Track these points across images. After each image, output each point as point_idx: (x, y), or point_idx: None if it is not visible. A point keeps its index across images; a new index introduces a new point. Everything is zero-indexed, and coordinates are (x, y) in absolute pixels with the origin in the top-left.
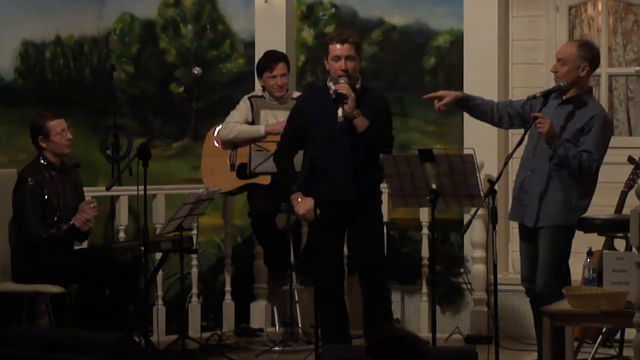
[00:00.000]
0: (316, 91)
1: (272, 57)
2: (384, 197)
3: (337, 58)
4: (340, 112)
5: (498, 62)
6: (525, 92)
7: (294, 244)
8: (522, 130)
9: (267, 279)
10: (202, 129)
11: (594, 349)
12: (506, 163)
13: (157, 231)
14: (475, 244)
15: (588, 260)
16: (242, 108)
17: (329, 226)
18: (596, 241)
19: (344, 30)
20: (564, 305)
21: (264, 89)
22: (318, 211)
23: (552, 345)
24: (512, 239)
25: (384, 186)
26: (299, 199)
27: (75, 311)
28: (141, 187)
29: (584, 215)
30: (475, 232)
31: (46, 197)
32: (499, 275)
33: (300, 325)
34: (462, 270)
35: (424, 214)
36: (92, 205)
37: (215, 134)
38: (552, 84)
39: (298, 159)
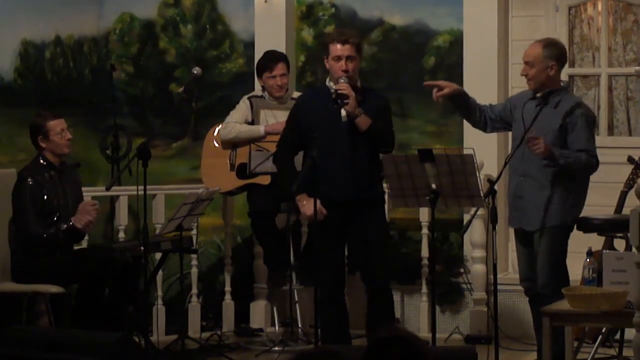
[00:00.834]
0: (316, 91)
1: (272, 57)
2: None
3: (338, 58)
4: (343, 111)
5: (498, 62)
6: None
7: (294, 244)
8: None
9: (267, 279)
10: (201, 129)
11: (594, 349)
12: (506, 163)
13: (157, 231)
14: (475, 243)
15: (588, 260)
16: (242, 108)
17: (330, 226)
18: (596, 241)
19: (345, 30)
20: (563, 305)
21: (263, 89)
22: (324, 211)
23: (552, 345)
24: (512, 239)
25: (385, 186)
26: (305, 201)
27: (75, 311)
28: (141, 187)
29: (584, 215)
30: (475, 232)
31: (45, 197)
32: (498, 275)
33: (300, 325)
34: (461, 270)
35: (424, 214)
36: (94, 206)
37: (215, 134)
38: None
39: (298, 159)
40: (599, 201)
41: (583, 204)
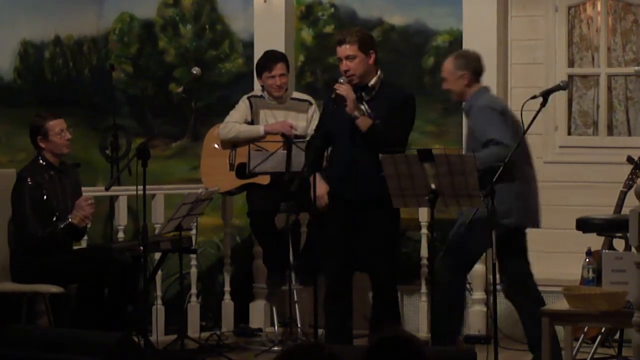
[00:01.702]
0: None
1: (271, 57)
2: None
3: (340, 59)
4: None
5: (497, 62)
6: (524, 92)
7: (293, 243)
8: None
9: (266, 278)
10: (201, 129)
11: (593, 349)
12: (505, 163)
13: (156, 231)
14: None
15: (587, 260)
16: (242, 108)
17: (335, 221)
18: (595, 241)
19: (346, 30)
20: (563, 305)
21: (263, 88)
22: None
23: (551, 345)
24: None
25: None
26: (318, 182)
27: (75, 311)
28: (140, 187)
29: (584, 215)
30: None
31: (45, 197)
32: (498, 275)
33: (299, 325)
34: None
35: (423, 214)
36: (89, 202)
37: (215, 134)
38: (552, 84)
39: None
40: (598, 201)
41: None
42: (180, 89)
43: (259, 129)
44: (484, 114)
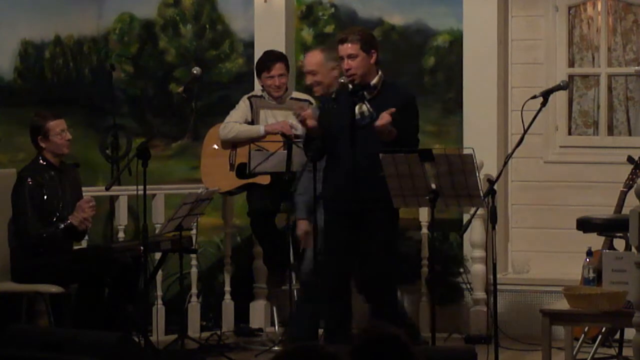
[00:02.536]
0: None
1: (270, 57)
2: None
3: (341, 58)
4: (357, 109)
5: (497, 62)
6: (524, 92)
7: (294, 243)
8: (522, 130)
9: (267, 278)
10: (201, 128)
11: (594, 348)
12: (505, 163)
13: (157, 231)
14: (474, 243)
15: (587, 260)
16: (242, 108)
17: (336, 222)
18: (596, 241)
19: (348, 29)
20: (563, 305)
21: (263, 88)
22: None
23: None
24: (512, 238)
25: None
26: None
27: (75, 311)
28: (140, 187)
29: (584, 215)
30: (475, 232)
31: (45, 197)
32: (498, 275)
33: None
34: (461, 270)
35: (424, 214)
36: (90, 204)
37: (215, 134)
38: (552, 84)
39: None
40: (598, 201)
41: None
42: (180, 89)
43: (259, 129)
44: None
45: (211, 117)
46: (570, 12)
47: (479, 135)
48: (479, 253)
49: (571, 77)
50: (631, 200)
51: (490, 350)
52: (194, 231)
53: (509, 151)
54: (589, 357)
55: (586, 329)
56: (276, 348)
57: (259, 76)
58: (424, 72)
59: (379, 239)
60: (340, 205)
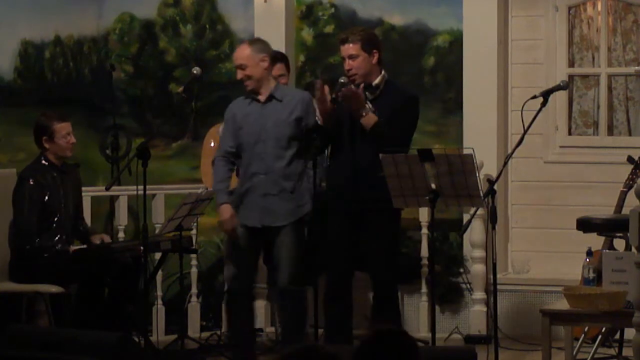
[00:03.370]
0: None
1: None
2: None
3: (343, 58)
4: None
5: (497, 62)
6: (524, 92)
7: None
8: (522, 130)
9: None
10: (201, 128)
11: (594, 349)
12: (505, 163)
13: (157, 231)
14: (474, 243)
15: (587, 260)
16: None
17: (338, 222)
18: (596, 241)
19: (349, 29)
20: (563, 305)
21: None
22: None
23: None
24: (512, 238)
25: None
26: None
27: (75, 311)
28: (140, 187)
29: (584, 215)
30: (475, 232)
31: (47, 198)
32: (498, 275)
33: None
34: (461, 270)
35: (424, 214)
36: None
37: (215, 133)
38: (552, 84)
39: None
40: (598, 201)
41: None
42: (180, 89)
43: None
44: None
45: (211, 117)
46: (570, 12)
47: (479, 135)
48: (479, 253)
49: (571, 77)
50: (631, 200)
51: (490, 350)
52: (194, 231)
53: (509, 151)
54: (589, 357)
55: (586, 329)
56: (277, 348)
57: None
58: (424, 72)
59: (381, 240)
60: (341, 205)
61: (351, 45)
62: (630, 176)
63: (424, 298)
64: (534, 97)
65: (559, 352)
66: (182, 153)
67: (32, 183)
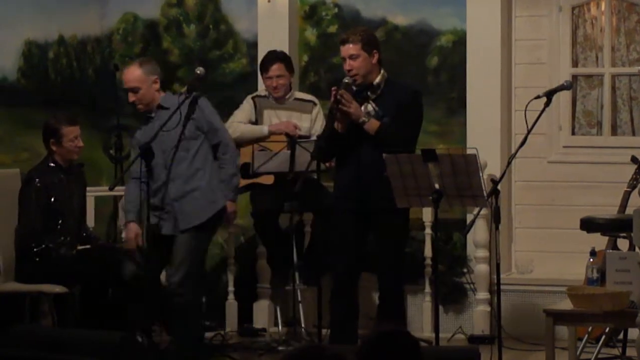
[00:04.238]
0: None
1: (268, 58)
2: None
3: (343, 59)
4: (362, 109)
5: (501, 62)
6: (528, 92)
7: (297, 243)
8: (525, 130)
9: (270, 278)
10: None
11: (597, 348)
12: (509, 163)
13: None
14: (478, 243)
15: (591, 260)
16: (246, 108)
17: (345, 222)
18: (599, 241)
19: (350, 29)
20: (567, 305)
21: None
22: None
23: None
24: (515, 238)
25: None
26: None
27: (79, 311)
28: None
29: (588, 215)
30: (478, 232)
31: (53, 199)
32: (502, 275)
33: (303, 325)
34: (465, 270)
35: (427, 214)
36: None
37: None
38: (556, 84)
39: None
40: (602, 201)
41: None
42: (184, 89)
43: (263, 129)
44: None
45: None
46: (574, 12)
47: (483, 135)
48: (483, 253)
49: (575, 77)
50: (635, 200)
51: (494, 350)
52: None
53: (513, 151)
54: (593, 357)
55: (590, 329)
56: (280, 348)
57: (262, 76)
58: (428, 72)
59: (391, 240)
60: (347, 204)
61: (351, 45)
62: (634, 176)
63: (428, 298)
64: (538, 97)
65: (562, 352)
66: None
67: (38, 184)
